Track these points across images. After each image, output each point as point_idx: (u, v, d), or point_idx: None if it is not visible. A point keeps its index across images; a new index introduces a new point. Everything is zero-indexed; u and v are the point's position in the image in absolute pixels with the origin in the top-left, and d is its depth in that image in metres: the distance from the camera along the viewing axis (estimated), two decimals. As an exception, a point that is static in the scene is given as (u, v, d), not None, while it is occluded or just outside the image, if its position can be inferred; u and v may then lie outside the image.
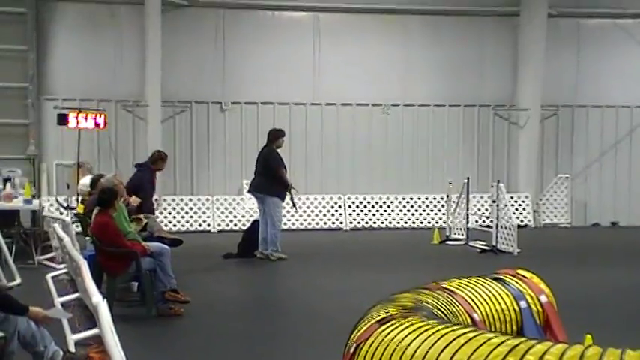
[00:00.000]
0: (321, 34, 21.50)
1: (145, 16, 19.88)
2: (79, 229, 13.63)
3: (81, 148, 17.24)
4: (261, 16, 21.38)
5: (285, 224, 19.56)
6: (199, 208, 20.52)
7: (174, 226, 20.02)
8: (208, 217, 20.52)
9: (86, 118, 17.16)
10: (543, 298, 6.27)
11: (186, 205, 20.47)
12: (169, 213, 20.28)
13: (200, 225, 20.42)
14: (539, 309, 6.23)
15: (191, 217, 20.43)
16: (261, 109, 21.26)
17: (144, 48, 20.02)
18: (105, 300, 5.51)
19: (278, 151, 15.06)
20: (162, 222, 18.51)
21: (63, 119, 17.03)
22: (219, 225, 20.47)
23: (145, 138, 20.17)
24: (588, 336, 5.67)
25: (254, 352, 8.12)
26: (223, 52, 21.06)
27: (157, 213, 18.93)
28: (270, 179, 14.72)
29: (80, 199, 14.19)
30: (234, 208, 20.63)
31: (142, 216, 11.58)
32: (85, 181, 13.64)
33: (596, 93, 22.62)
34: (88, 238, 11.06)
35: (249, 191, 15.78)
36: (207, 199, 20.65)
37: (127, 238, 9.84)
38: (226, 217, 20.60)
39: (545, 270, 7.18)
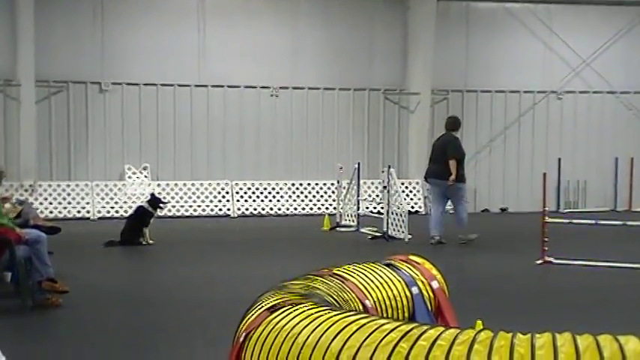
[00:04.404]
0: (206, 14, 20.73)
1: (16, -12, 18.79)
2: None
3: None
4: (144, -8, 20.48)
5: (169, 211, 18.98)
6: (78, 194, 19.63)
7: (51, 212, 19.12)
8: (87, 203, 19.61)
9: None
10: (435, 284, 6.22)
11: (64, 190, 19.56)
12: (45, 199, 19.38)
13: (79, 212, 19.54)
14: (431, 295, 6.18)
15: (69, 203, 19.54)
16: (143, 90, 20.42)
17: (15, 22, 18.90)
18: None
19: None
20: (38, 209, 17.59)
21: None
22: (99, 212, 19.59)
23: (17, 119, 19.20)
24: (479, 321, 5.65)
25: (137, 343, 7.72)
26: (102, 29, 20.04)
27: (31, 199, 18.03)
28: (449, 165, 14.80)
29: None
30: (115, 194, 19.79)
31: (14, 200, 10.90)
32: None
33: (485, 78, 22.70)
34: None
35: (425, 178, 15.65)
36: (87, 185, 19.72)
37: (-1, 225, 9.42)
38: (107, 203, 19.72)
39: (436, 256, 7.26)
